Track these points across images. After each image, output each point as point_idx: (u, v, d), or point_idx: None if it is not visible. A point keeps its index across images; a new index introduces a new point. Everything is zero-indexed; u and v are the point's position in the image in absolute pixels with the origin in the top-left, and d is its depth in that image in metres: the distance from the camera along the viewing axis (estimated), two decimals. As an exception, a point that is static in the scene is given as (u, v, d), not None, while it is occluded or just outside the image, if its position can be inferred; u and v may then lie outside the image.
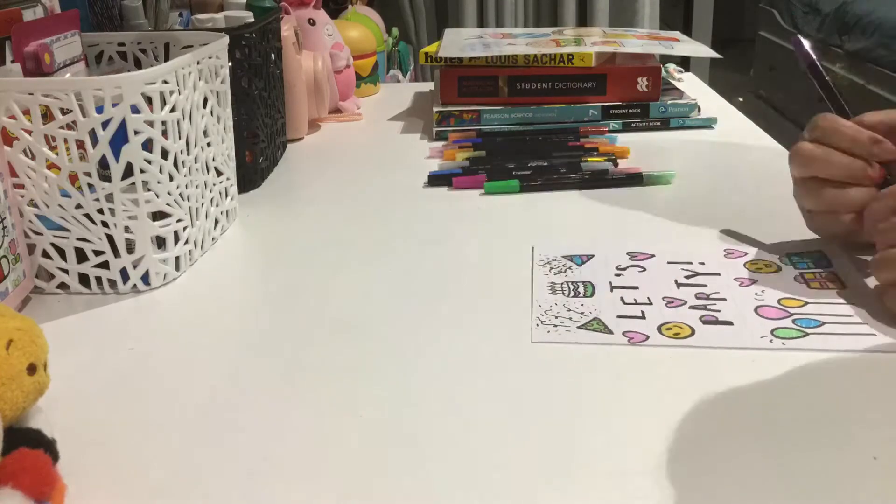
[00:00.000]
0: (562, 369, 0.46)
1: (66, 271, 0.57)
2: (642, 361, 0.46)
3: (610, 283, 0.55)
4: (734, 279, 0.55)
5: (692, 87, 1.06)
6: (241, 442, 0.41)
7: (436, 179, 0.77)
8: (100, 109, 0.52)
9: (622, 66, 0.93)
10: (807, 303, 0.52)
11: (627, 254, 0.59)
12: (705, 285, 0.54)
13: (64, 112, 0.52)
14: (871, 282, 0.53)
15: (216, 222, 0.65)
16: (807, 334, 0.48)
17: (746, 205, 0.69)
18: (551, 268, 0.57)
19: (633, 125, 0.92)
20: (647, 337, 0.48)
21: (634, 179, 0.75)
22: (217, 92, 0.64)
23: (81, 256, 0.56)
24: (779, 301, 0.52)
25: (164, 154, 0.56)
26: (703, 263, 0.57)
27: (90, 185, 0.54)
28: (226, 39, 0.65)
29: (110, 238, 0.55)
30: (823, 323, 0.49)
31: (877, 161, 0.53)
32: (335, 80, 0.99)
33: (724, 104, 1.02)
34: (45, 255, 0.56)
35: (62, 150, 0.53)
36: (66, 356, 0.48)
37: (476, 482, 0.37)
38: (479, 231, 0.66)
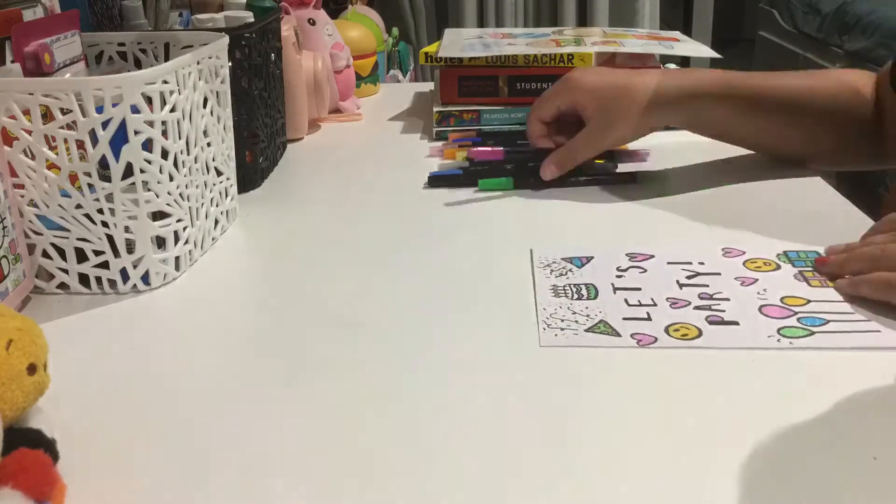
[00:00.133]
0: (574, 373, 0.45)
1: (66, 271, 0.56)
2: (652, 364, 0.46)
3: (612, 284, 0.55)
4: (735, 278, 0.55)
5: (692, 86, 1.06)
6: (241, 442, 0.41)
7: (436, 181, 0.77)
8: (100, 109, 0.52)
9: (622, 66, 0.93)
10: (809, 301, 0.52)
11: (626, 255, 0.59)
12: (707, 285, 0.54)
13: (64, 112, 0.52)
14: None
15: (216, 222, 0.65)
16: (813, 333, 0.48)
17: (742, 204, 0.69)
18: (552, 270, 0.57)
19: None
20: (656, 339, 0.48)
21: (631, 179, 0.75)
22: (217, 92, 0.64)
23: (81, 256, 0.56)
24: (782, 300, 0.52)
25: (164, 154, 0.55)
26: (702, 263, 0.57)
27: (90, 185, 0.54)
28: (226, 39, 0.65)
29: (110, 238, 0.55)
30: (828, 321, 0.49)
31: None
32: (335, 80, 0.99)
33: (724, 104, 1.02)
34: (45, 255, 0.56)
35: (62, 150, 0.53)
36: (66, 356, 0.47)
37: (485, 486, 0.37)
38: (478, 231, 0.66)
